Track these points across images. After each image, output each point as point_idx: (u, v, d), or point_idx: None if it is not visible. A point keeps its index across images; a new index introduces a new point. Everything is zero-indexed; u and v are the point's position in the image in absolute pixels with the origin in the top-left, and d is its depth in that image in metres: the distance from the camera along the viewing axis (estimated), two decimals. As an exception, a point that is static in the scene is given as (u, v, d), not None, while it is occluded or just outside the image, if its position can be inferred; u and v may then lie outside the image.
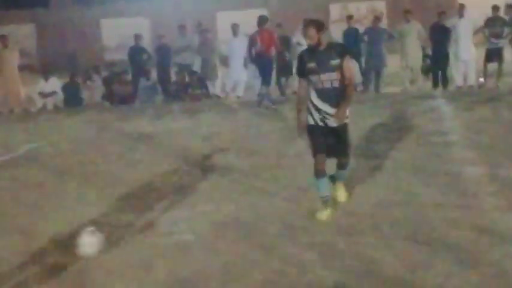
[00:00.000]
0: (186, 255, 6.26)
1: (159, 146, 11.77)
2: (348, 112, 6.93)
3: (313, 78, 6.84)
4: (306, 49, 7.04)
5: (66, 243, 6.69)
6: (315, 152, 6.98)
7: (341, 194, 7.53)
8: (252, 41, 16.57)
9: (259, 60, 16.54)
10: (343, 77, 6.77)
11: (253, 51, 16.41)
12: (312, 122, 6.97)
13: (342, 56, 6.78)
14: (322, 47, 6.83)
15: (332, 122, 6.86)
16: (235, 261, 6.00)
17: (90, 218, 7.50)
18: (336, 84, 6.78)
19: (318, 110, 6.88)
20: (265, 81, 16.56)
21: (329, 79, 6.77)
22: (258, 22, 16.50)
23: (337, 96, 6.79)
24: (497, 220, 6.61)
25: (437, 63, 17.24)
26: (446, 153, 9.71)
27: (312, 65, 6.82)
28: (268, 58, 16.66)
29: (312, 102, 6.93)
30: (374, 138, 10.88)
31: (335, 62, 6.74)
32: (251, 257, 6.10)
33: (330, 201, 7.14)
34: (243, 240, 6.55)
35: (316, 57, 6.81)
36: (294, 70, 16.51)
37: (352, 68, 7.09)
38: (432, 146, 10.18)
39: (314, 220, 6.93)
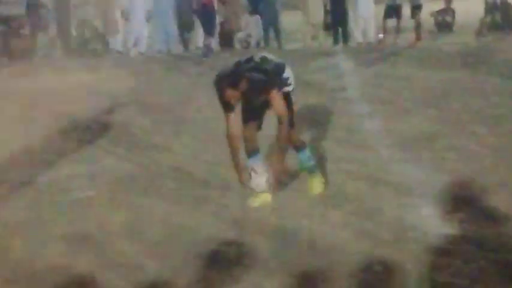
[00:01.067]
0: (86, 211, 6.19)
1: (57, 101, 11.48)
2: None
3: None
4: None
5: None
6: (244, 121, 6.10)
7: (315, 186, 6.34)
8: None
9: (203, 12, 17.17)
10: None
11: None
12: None
13: (266, 91, 5.82)
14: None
15: None
16: (136, 216, 5.99)
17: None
18: None
19: None
20: (210, 32, 17.24)
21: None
22: None
23: None
24: (393, 172, 6.80)
25: (335, 20, 17.39)
26: (344, 108, 9.88)
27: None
28: (211, 9, 17.32)
29: None
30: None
31: (262, 98, 5.88)
32: (152, 211, 6.11)
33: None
34: (143, 195, 6.54)
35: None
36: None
37: (281, 103, 5.88)
38: (331, 101, 10.33)
39: (212, 174, 6.97)
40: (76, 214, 6.14)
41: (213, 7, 17.50)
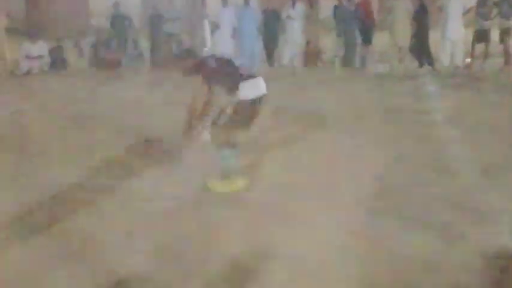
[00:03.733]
0: (168, 221, 6.26)
1: (144, 112, 11.73)
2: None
3: None
4: None
5: (49, 204, 6.74)
6: None
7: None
8: (356, 7, 18.03)
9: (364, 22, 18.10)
10: None
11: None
12: None
13: None
14: None
15: None
16: (217, 225, 6.06)
17: (71, 181, 7.52)
18: None
19: None
20: (367, 41, 18.17)
21: None
22: None
23: None
24: (478, 199, 6.67)
25: (418, 43, 17.18)
26: (429, 132, 9.74)
27: None
28: (369, 22, 18.08)
29: None
30: (360, 115, 10.90)
31: None
32: (233, 222, 6.16)
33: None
34: (225, 206, 6.58)
35: None
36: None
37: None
38: (416, 125, 10.22)
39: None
40: (157, 224, 6.23)
41: (370, 21, 18.21)
